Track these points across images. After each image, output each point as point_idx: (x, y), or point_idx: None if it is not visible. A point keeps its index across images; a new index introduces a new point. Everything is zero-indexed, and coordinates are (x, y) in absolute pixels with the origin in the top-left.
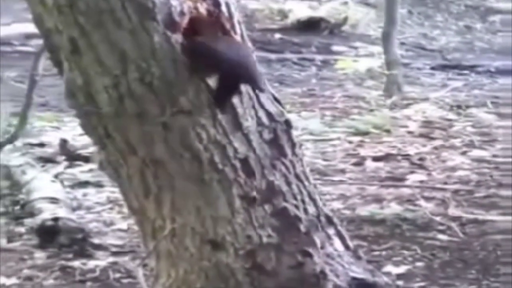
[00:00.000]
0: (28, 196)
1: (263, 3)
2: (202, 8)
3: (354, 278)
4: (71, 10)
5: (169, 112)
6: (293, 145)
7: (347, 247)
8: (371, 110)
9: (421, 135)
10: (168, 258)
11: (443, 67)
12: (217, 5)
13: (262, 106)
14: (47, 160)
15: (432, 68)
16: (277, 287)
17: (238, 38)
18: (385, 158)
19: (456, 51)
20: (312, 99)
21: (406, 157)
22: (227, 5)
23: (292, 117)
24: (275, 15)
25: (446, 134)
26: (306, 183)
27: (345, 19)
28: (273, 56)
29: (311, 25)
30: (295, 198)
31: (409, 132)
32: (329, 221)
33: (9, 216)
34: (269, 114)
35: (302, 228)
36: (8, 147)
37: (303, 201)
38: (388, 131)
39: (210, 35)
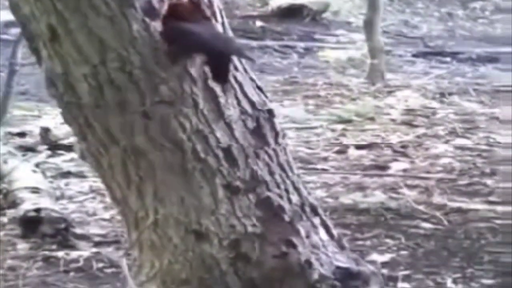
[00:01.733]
0: (10, 186)
1: None
2: None
3: (338, 267)
4: None
5: (150, 102)
6: (276, 134)
7: (331, 236)
8: (354, 99)
9: (404, 123)
10: (151, 248)
11: (425, 55)
12: None
13: (245, 95)
14: (28, 149)
15: (414, 56)
16: (262, 276)
17: (218, 25)
18: (368, 146)
19: (438, 38)
20: (294, 87)
21: (389, 145)
22: None
23: (274, 105)
24: (256, 1)
25: (429, 122)
26: (290, 172)
27: (327, 6)
28: (254, 43)
29: (292, 12)
30: (279, 188)
31: (392, 120)
32: (314, 210)
33: None
34: (252, 103)
35: (286, 217)
36: None
37: (286, 191)
38: (371, 119)
39: (190, 21)
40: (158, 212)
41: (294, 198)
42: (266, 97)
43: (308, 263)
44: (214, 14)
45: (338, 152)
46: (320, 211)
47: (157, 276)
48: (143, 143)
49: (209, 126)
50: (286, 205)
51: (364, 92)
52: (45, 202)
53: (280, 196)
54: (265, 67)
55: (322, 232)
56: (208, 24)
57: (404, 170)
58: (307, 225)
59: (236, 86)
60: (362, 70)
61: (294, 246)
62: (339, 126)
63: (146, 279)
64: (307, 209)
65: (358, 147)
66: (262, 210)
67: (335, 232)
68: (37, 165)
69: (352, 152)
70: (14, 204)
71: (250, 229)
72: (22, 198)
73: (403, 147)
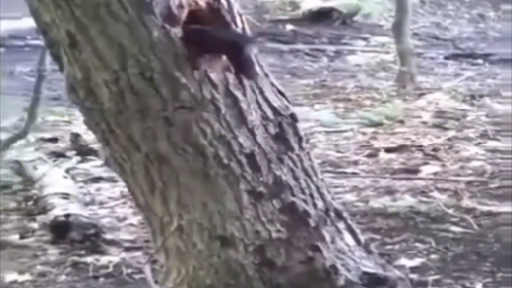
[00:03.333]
0: (41, 191)
1: None
2: (202, 1)
3: (365, 273)
4: (67, 4)
5: (171, 107)
6: (299, 139)
7: (358, 241)
8: (384, 102)
9: (435, 126)
10: (177, 254)
11: (456, 57)
12: None
13: (266, 100)
14: (59, 155)
15: (446, 58)
16: (288, 282)
17: (239, 30)
18: (399, 149)
19: (469, 40)
20: (324, 90)
21: (420, 148)
22: None
23: (304, 109)
24: (286, 5)
25: (460, 125)
26: (314, 177)
27: (358, 9)
28: (285, 47)
29: (322, 16)
30: (303, 193)
31: (423, 123)
32: (339, 215)
33: (22, 212)
34: (273, 108)
35: (311, 222)
36: (21, 142)
37: (311, 196)
38: (401, 122)
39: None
40: (182, 218)
41: (319, 203)
42: (289, 101)
43: (334, 268)
44: (234, 19)
45: (368, 155)
46: (346, 215)
47: (183, 282)
48: (165, 149)
49: (232, 131)
50: (312, 210)
51: (394, 95)
52: (74, 208)
53: (305, 201)
54: (295, 71)
55: (348, 237)
56: (227, 28)
57: (435, 173)
58: (332, 230)
59: (257, 91)
60: (393, 73)
61: (319, 251)
62: (369, 130)
63: (173, 285)
64: (332, 214)
65: (388, 150)
66: (287, 216)
67: (361, 237)
68: (67, 170)
69: (382, 156)
70: (44, 210)
71: (274, 234)
72: (52, 204)
73: (433, 150)
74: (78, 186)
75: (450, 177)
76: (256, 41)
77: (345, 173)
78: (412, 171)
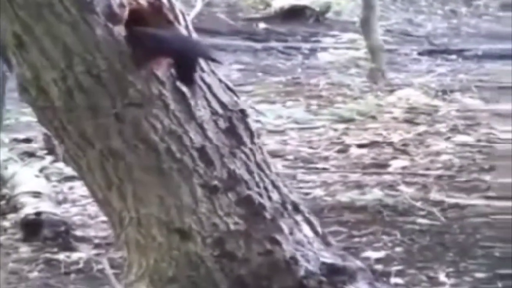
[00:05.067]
0: (12, 191)
1: None
2: (143, 0)
3: (324, 263)
4: (10, 5)
5: (120, 104)
6: (251, 134)
7: (316, 233)
8: (356, 98)
9: (406, 121)
10: (137, 248)
11: (430, 53)
12: None
13: (214, 96)
14: (32, 155)
15: (419, 54)
16: (249, 273)
17: (182, 28)
18: (369, 145)
19: (443, 36)
20: (297, 87)
21: (390, 143)
22: None
23: (276, 106)
24: (258, 4)
25: (431, 120)
26: (268, 171)
27: (329, 7)
28: (258, 45)
29: (295, 14)
30: (258, 186)
31: (394, 118)
32: (296, 208)
33: None
34: (222, 104)
35: (268, 215)
36: None
37: (266, 189)
38: (373, 117)
39: (152, 25)
40: (139, 212)
41: (275, 196)
42: (238, 97)
43: (294, 259)
44: (176, 17)
45: (339, 151)
46: (303, 208)
47: (145, 275)
48: (118, 146)
49: (182, 126)
50: (267, 203)
51: (366, 91)
52: (45, 206)
53: (260, 195)
54: (269, 69)
55: (306, 229)
56: (171, 27)
57: (404, 168)
58: (290, 222)
59: (204, 87)
60: (364, 70)
61: (278, 243)
62: (341, 126)
63: (135, 278)
64: (289, 206)
65: (359, 146)
66: (243, 208)
67: (319, 229)
68: (41, 170)
69: (353, 151)
70: (15, 209)
71: (232, 227)
72: (23, 203)
73: (404, 145)
74: (51, 185)
75: (419, 171)
76: (209, 54)
77: (316, 168)
78: (382, 166)
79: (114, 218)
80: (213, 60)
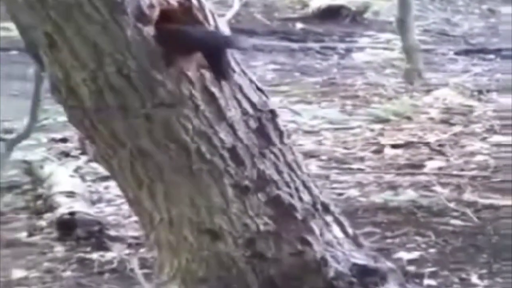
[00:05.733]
0: (48, 190)
1: None
2: (173, 0)
3: (355, 264)
4: (42, 5)
5: (150, 104)
6: (280, 134)
7: (346, 234)
8: (391, 98)
9: (442, 122)
10: (169, 248)
11: (467, 52)
12: None
13: (244, 96)
14: (68, 155)
15: (456, 54)
16: (280, 274)
17: (211, 28)
18: (405, 145)
19: (480, 36)
20: (332, 88)
21: (426, 144)
22: None
23: (312, 107)
24: (295, 4)
25: (467, 120)
26: (298, 171)
27: (367, 7)
28: (295, 45)
29: (332, 13)
30: (288, 186)
31: (430, 119)
32: (326, 209)
33: (30, 211)
34: (252, 104)
35: (298, 216)
36: (32, 142)
37: (296, 189)
38: (408, 118)
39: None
40: (170, 212)
41: (305, 196)
42: (268, 97)
43: (324, 260)
44: (206, 17)
45: (374, 151)
46: (333, 209)
47: (177, 275)
48: (148, 145)
49: (212, 127)
50: (298, 204)
51: (402, 91)
52: (79, 206)
53: (291, 195)
54: (305, 69)
55: (336, 230)
56: (200, 26)
57: (439, 168)
58: (320, 223)
59: (235, 87)
60: (401, 70)
61: (308, 244)
62: (377, 126)
63: (167, 278)
64: (319, 207)
65: (395, 146)
66: (273, 209)
67: (350, 230)
68: (76, 169)
69: (388, 152)
70: (51, 208)
71: (263, 227)
72: (58, 202)
73: (439, 145)
74: (86, 185)
75: (454, 172)
76: (234, 43)
77: (351, 169)
78: (416, 166)
79: (145, 218)
80: (239, 48)
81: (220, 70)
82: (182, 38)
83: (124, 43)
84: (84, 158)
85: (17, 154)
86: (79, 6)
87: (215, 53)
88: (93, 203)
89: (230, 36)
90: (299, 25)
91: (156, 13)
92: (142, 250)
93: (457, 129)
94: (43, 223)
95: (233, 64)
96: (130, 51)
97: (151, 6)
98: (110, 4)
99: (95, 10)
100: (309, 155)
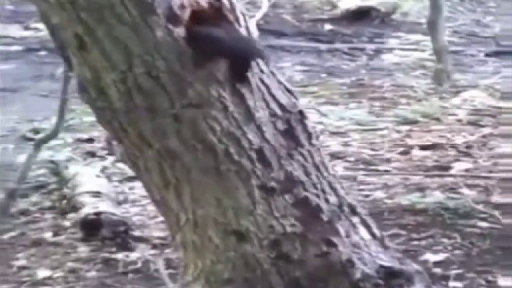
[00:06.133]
0: (73, 190)
1: None
2: (203, 1)
3: (382, 266)
4: (72, 7)
5: (179, 105)
6: (309, 135)
7: (373, 235)
8: (420, 100)
9: (470, 123)
10: (194, 248)
11: (497, 54)
12: None
13: (273, 97)
14: (94, 155)
15: (486, 55)
16: (305, 276)
17: (242, 30)
18: (432, 147)
19: (511, 38)
20: (360, 89)
21: (454, 145)
22: None
23: (339, 108)
24: (324, 5)
25: (496, 122)
26: (325, 173)
27: (395, 8)
28: (323, 46)
29: (361, 15)
30: (315, 188)
31: (458, 120)
32: (353, 210)
33: (56, 211)
34: (281, 105)
35: (324, 217)
36: (59, 142)
37: (323, 191)
38: (437, 119)
39: (213, 26)
40: (196, 213)
41: (332, 198)
42: (297, 98)
43: (350, 262)
44: (237, 18)
45: (402, 153)
46: (360, 210)
47: (201, 276)
48: (176, 146)
49: (240, 128)
50: (324, 205)
51: (430, 93)
52: (105, 206)
53: (317, 196)
54: (333, 70)
55: (363, 231)
56: (230, 28)
57: (466, 170)
58: (346, 224)
59: (263, 88)
60: (430, 71)
61: (334, 245)
62: (404, 128)
63: (191, 279)
64: (346, 208)
65: (422, 147)
66: (300, 210)
67: (377, 231)
68: (102, 170)
69: (416, 153)
70: (75, 208)
71: (289, 229)
72: (83, 202)
73: (467, 147)
74: (112, 185)
75: (482, 174)
76: (264, 55)
77: (378, 170)
78: (444, 168)
79: (171, 219)
80: (264, 59)
81: (239, 75)
82: (212, 44)
83: (154, 44)
84: (110, 158)
85: (44, 154)
86: (111, 7)
87: (241, 61)
88: (119, 203)
89: (258, 46)
90: (327, 26)
91: (187, 14)
92: (167, 250)
93: (485, 130)
94: (67, 223)
95: (262, 65)
96: (159, 52)
97: (182, 7)
98: (140, 5)
99: (126, 11)
100: (336, 156)
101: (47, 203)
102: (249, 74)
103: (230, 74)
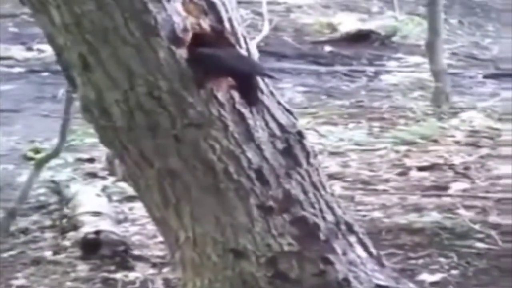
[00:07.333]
0: (74, 210)
1: (313, 17)
2: (205, 24)
3: (378, 285)
4: (77, 29)
5: (180, 125)
6: (307, 154)
7: (370, 254)
8: (418, 121)
9: (468, 144)
10: (192, 267)
11: (496, 76)
12: (220, 21)
13: (272, 117)
14: (94, 175)
15: (485, 77)
16: None
17: (243, 52)
18: (430, 167)
19: (510, 60)
20: (359, 110)
21: (451, 166)
22: (230, 20)
23: (338, 128)
24: (324, 28)
25: (493, 143)
26: (323, 191)
27: (395, 31)
28: (323, 68)
29: (361, 37)
30: (313, 207)
31: (456, 142)
32: (350, 228)
33: (56, 230)
34: (280, 125)
35: (322, 236)
36: (59, 162)
37: (321, 210)
38: (435, 141)
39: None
40: (195, 231)
41: (329, 216)
42: (296, 119)
43: (346, 281)
44: (238, 41)
45: (400, 173)
46: (357, 229)
47: None
48: (176, 165)
49: (240, 147)
50: (321, 224)
51: (429, 114)
52: (105, 225)
53: (315, 215)
54: (333, 91)
55: (359, 250)
56: (231, 50)
57: (464, 191)
58: (343, 243)
59: (263, 109)
60: (429, 93)
61: (331, 263)
62: (403, 148)
63: None
64: (343, 227)
65: (420, 168)
66: (297, 229)
67: (374, 250)
68: (103, 189)
69: (414, 174)
70: (75, 227)
71: (286, 247)
72: (83, 221)
73: (465, 168)
74: (112, 204)
75: (479, 194)
76: (263, 70)
77: (375, 190)
78: (442, 188)
79: (170, 237)
80: (269, 76)
81: (249, 95)
82: (214, 62)
83: (156, 65)
84: (111, 178)
85: (45, 174)
86: (115, 29)
87: (245, 79)
88: (118, 222)
89: (259, 64)
90: (327, 48)
91: (189, 37)
92: (166, 270)
93: (483, 151)
94: (66, 242)
95: (262, 85)
96: (161, 73)
97: (185, 29)
98: (144, 27)
99: (129, 33)
100: (334, 176)
101: (48, 222)
102: (257, 94)
103: (241, 98)
